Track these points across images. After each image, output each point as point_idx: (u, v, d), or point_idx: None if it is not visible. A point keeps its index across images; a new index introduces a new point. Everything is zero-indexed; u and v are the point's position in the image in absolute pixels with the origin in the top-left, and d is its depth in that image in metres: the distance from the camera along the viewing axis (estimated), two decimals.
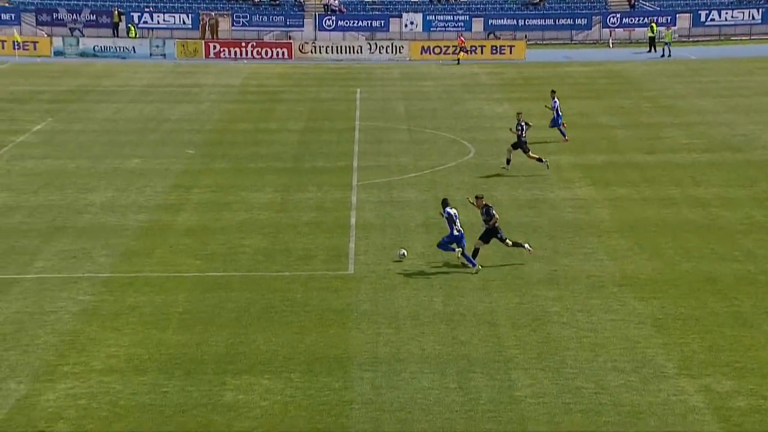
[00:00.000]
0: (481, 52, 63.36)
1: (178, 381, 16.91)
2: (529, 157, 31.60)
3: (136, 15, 68.45)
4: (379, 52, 63.65)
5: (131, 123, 41.36)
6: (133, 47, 64.70)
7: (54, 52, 63.77)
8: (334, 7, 70.19)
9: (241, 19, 68.35)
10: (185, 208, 28.08)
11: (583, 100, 46.47)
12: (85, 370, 17.24)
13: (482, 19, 68.83)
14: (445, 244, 22.55)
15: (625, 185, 30.43)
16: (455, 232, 22.35)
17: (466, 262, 22.36)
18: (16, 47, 62.32)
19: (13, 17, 67.51)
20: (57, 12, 68.03)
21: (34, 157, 34.25)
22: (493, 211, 22.69)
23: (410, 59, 62.88)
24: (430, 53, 63.33)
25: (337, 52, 63.89)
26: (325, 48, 63.99)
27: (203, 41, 64.99)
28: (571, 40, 69.79)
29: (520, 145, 31.60)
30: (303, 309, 20.22)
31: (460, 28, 68.08)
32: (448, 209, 22.50)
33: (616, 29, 69.51)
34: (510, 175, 31.58)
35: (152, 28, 68.55)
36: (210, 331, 19.05)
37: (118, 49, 64.59)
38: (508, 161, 31.83)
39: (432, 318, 19.78)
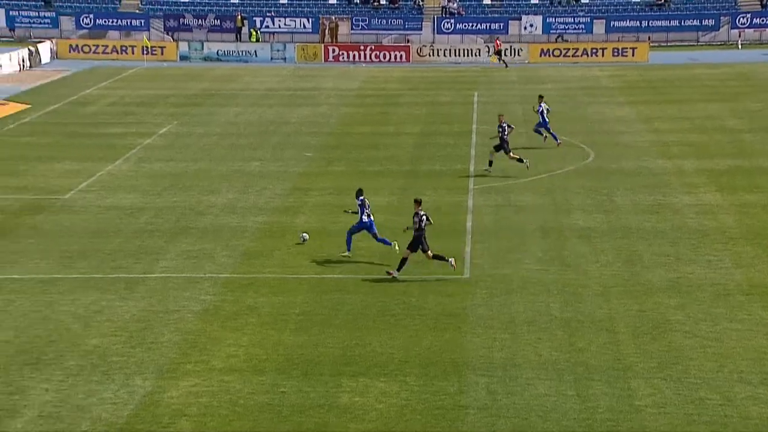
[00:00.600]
0: (602, 55, 62.37)
1: (295, 382, 17.14)
2: (510, 157, 31.75)
3: (258, 20, 69.83)
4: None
5: (252, 126, 42.19)
6: (255, 51, 66.02)
7: (180, 57, 65.61)
8: (452, 10, 70.11)
9: (360, 23, 68.96)
10: (303, 211, 28.46)
11: (710, 103, 45.19)
12: (206, 368, 17.65)
13: (604, 20, 67.71)
14: (381, 239, 23.73)
15: (754, 191, 29.47)
16: (364, 218, 23.55)
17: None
18: (145, 52, 64.38)
19: (142, 23, 69.77)
20: (183, 17, 69.97)
21: (159, 160, 35.30)
22: (425, 219, 21.90)
23: (529, 62, 62.32)
24: (549, 56, 62.66)
25: (455, 55, 63.80)
26: (443, 51, 63.99)
27: (322, 45, 65.83)
28: (697, 42, 67.97)
29: (501, 146, 31.71)
30: (418, 312, 20.26)
31: (580, 31, 67.15)
32: (360, 197, 23.74)
33: (745, 30, 67.38)
34: (630, 180, 30.97)
35: (273, 33, 69.81)
36: (327, 332, 19.27)
37: (240, 53, 66.03)
38: (491, 163, 31.91)
39: (549, 324, 19.55)
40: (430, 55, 63.88)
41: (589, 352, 18.18)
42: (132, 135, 39.84)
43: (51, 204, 28.70)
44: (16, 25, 69.21)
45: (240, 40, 68.45)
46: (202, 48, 66.06)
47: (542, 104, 35.68)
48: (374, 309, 20.48)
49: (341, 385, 17.00)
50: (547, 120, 35.59)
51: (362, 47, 64.65)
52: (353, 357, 18.12)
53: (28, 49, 61.46)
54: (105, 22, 69.66)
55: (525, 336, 18.94)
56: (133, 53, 65.43)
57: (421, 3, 71.44)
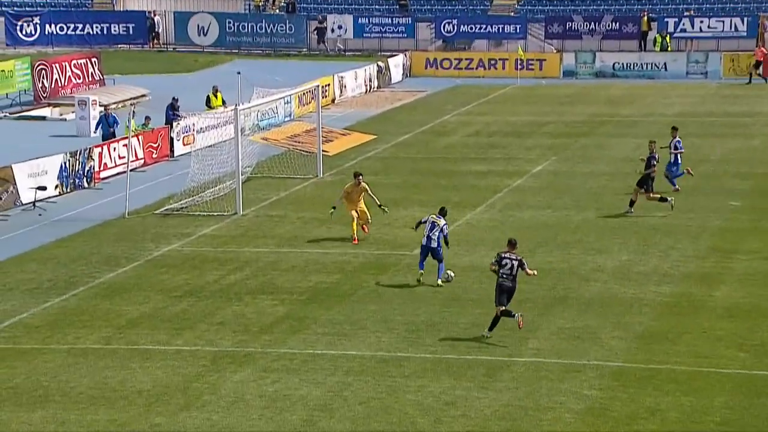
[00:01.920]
0: None
1: None
2: (649, 197, 34.09)
3: (671, 21, 69.31)
4: None
5: None
6: (665, 64, 65.72)
7: (563, 72, 66.72)
8: None
9: None
10: (725, 280, 27.70)
11: None
12: None
13: None
14: (439, 268, 27.79)
15: None
16: (424, 241, 27.58)
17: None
18: (519, 67, 66.05)
19: (518, 29, 71.65)
20: (571, 20, 70.96)
21: (532, 207, 35.87)
22: (515, 265, 23.72)
23: None
24: None
25: None
26: None
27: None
28: None
29: (645, 182, 33.97)
30: None
31: None
32: (431, 216, 27.90)
33: None
34: None
35: (691, 38, 69.00)
36: None
37: (644, 66, 66.02)
38: (632, 203, 34.37)
39: None
40: None
41: None
42: (498, 174, 40.86)
43: (396, 261, 30.00)
44: (365, 35, 73.69)
45: (644, 49, 68.33)
46: (593, 60, 66.72)
47: (677, 138, 36.84)
48: None
49: None
50: (678, 160, 36.79)
51: None
52: None
53: (377, 65, 65.22)
54: (470, 28, 72.32)
55: None
56: (503, 68, 67.45)
57: None
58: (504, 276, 23.82)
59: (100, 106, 49.71)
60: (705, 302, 26.12)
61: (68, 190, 38.66)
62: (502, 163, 43.08)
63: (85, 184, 39.55)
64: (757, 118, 51.19)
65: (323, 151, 40.86)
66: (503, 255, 23.98)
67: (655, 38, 68.29)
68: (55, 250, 31.59)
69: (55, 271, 29.47)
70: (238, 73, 45.41)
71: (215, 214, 35.32)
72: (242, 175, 36.72)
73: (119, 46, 75.40)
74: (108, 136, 43.49)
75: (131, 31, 76.14)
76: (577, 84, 64.27)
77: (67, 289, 27.90)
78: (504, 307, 23.72)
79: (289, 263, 30.05)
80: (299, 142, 41.86)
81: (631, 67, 66.00)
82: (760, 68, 62.25)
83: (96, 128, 46.08)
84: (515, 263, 23.77)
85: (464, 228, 33.51)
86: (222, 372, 22.41)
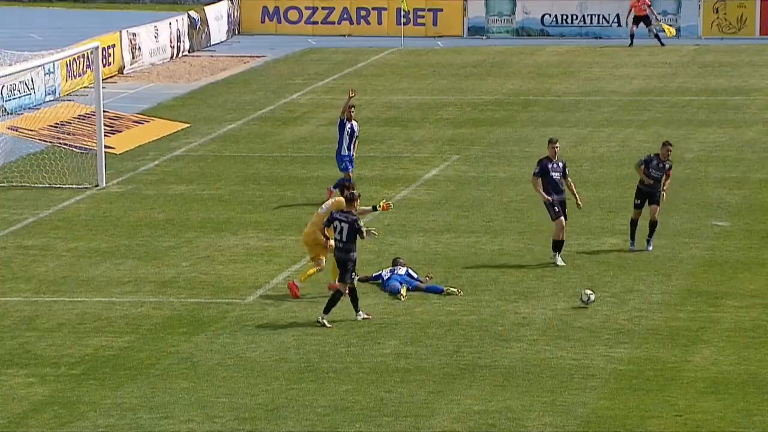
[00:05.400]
0: None
1: None
2: None
3: None
4: None
5: (603, 165, 42.75)
6: (617, 16, 66.67)
7: (468, 29, 67.33)
8: None
9: None
10: (708, 338, 27.83)
11: None
12: None
13: None
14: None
15: None
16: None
17: None
18: (403, 20, 65.86)
19: None
20: None
21: (422, 230, 35.76)
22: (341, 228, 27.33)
23: None
24: None
25: None
26: None
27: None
28: None
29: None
30: None
31: None
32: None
33: None
34: None
35: None
36: None
37: (586, 19, 67.29)
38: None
39: None
40: None
41: None
42: (372, 181, 40.95)
43: (220, 314, 29.74)
44: None
45: None
46: (513, 11, 67.12)
47: (352, 123, 38.13)
48: None
49: None
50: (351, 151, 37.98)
51: None
52: None
53: (189, 16, 64.74)
54: None
55: None
56: (379, 22, 67.44)
57: None
58: (336, 243, 27.51)
59: None
60: (679, 371, 26.29)
61: None
62: (379, 165, 43.16)
63: None
64: (754, 97, 51.82)
65: (106, 147, 40.43)
66: (335, 215, 27.46)
67: None
68: None
69: None
70: None
71: None
72: None
73: None
74: None
75: None
76: (489, 47, 64.64)
77: None
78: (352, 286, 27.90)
79: (54, 319, 29.68)
80: (69, 134, 41.49)
81: (569, 21, 66.57)
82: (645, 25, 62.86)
83: None
84: (345, 227, 26.52)
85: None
86: None
